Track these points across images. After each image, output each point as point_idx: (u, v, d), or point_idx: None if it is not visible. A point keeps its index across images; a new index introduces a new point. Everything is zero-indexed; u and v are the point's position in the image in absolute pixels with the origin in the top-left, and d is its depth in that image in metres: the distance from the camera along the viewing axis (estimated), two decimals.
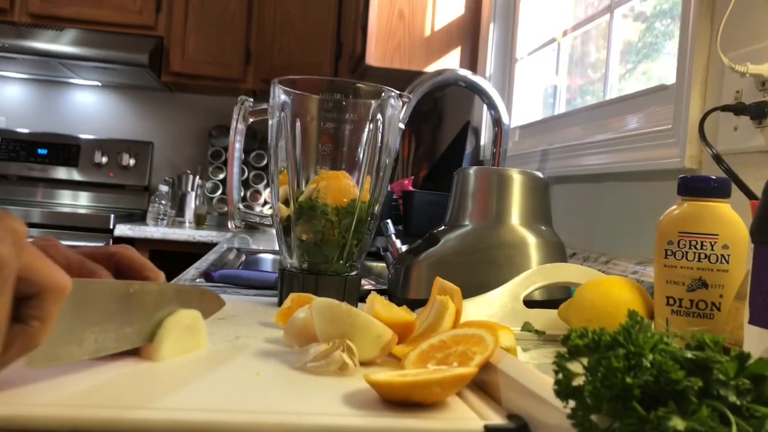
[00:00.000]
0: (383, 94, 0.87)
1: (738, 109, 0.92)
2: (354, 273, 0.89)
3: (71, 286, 0.43)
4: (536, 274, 0.86)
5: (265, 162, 3.53)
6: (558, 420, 0.40)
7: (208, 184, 3.52)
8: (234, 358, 0.59)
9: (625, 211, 1.26)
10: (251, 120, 0.94)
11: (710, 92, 1.05)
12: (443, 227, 1.00)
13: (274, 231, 0.92)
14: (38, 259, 0.41)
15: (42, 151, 3.45)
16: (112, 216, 2.92)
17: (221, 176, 3.55)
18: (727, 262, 0.66)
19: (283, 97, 0.87)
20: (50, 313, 0.42)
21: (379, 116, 0.87)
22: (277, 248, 1.16)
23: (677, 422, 0.33)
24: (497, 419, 0.46)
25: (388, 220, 1.22)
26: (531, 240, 0.95)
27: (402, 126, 1.21)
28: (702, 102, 1.07)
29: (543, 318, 0.82)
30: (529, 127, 1.89)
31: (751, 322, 0.53)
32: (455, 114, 2.54)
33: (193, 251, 2.77)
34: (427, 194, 1.85)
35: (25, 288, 0.41)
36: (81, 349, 0.50)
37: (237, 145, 0.95)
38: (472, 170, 1.00)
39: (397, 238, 1.20)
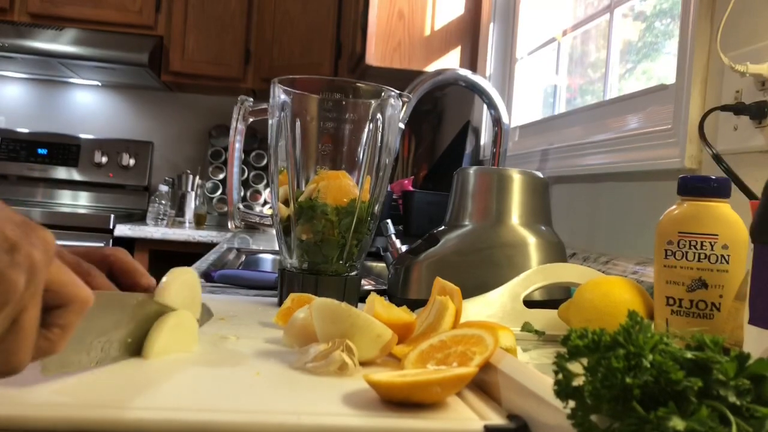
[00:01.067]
0: (383, 94, 0.87)
1: (738, 108, 0.92)
2: (354, 273, 0.89)
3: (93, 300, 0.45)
4: (536, 274, 0.86)
5: (265, 162, 3.53)
6: (558, 420, 0.40)
7: (208, 184, 3.52)
8: (234, 358, 0.59)
9: (625, 211, 1.26)
10: (251, 120, 0.94)
11: (710, 92, 1.05)
12: (443, 227, 1.00)
13: (274, 231, 0.92)
14: (64, 273, 0.43)
15: (42, 151, 3.44)
16: (112, 216, 2.92)
17: (221, 176, 3.55)
18: (727, 262, 0.66)
19: (282, 96, 0.87)
20: (72, 324, 0.44)
21: (378, 116, 0.87)
22: (277, 248, 1.16)
23: (677, 422, 0.33)
24: (497, 419, 0.46)
25: (388, 220, 1.22)
26: (531, 240, 0.95)
27: (402, 126, 1.21)
28: (702, 102, 1.06)
29: (543, 318, 0.82)
30: (529, 127, 1.88)
31: (751, 322, 0.53)
32: (455, 114, 2.54)
33: (193, 251, 2.77)
34: (427, 194, 1.85)
35: (51, 299, 0.42)
36: (89, 358, 0.52)
37: (237, 145, 0.94)
38: (472, 170, 1.00)
39: (397, 238, 1.20)
